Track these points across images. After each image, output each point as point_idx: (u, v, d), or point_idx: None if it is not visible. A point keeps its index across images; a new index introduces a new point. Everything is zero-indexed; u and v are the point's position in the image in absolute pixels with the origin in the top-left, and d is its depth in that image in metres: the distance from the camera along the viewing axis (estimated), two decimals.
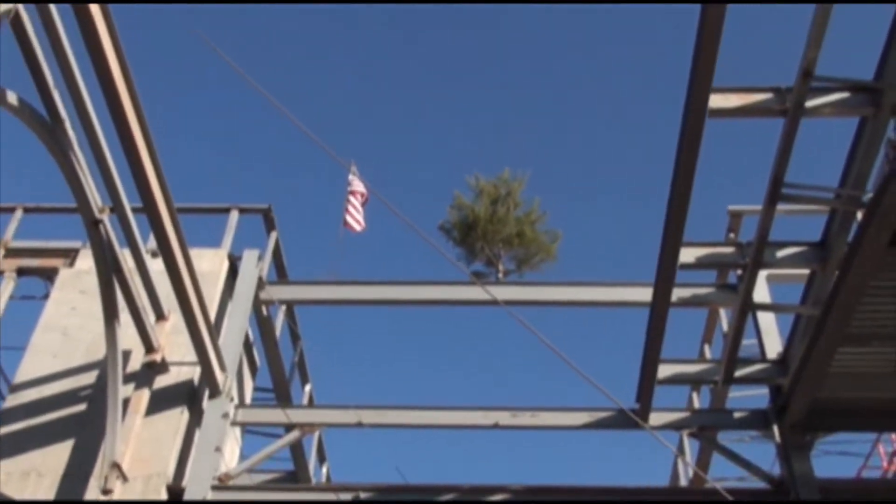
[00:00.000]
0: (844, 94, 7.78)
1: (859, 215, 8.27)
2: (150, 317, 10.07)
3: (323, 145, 7.03)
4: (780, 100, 7.95)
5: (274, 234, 12.09)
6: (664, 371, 10.55)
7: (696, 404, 12.10)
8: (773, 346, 10.49)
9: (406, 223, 8.06)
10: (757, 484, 10.08)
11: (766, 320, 10.69)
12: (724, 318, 11.28)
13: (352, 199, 14.63)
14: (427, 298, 11.47)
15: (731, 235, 10.26)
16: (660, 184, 8.52)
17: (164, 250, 9.02)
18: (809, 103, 7.78)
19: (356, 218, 14.57)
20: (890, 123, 7.89)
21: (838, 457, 13.21)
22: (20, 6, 6.96)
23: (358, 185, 14.95)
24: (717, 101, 8.06)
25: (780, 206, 8.62)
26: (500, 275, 21.72)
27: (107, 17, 7.46)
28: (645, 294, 10.52)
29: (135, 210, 8.97)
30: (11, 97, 7.38)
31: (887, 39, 7.44)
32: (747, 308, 9.98)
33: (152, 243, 9.92)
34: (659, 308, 9.91)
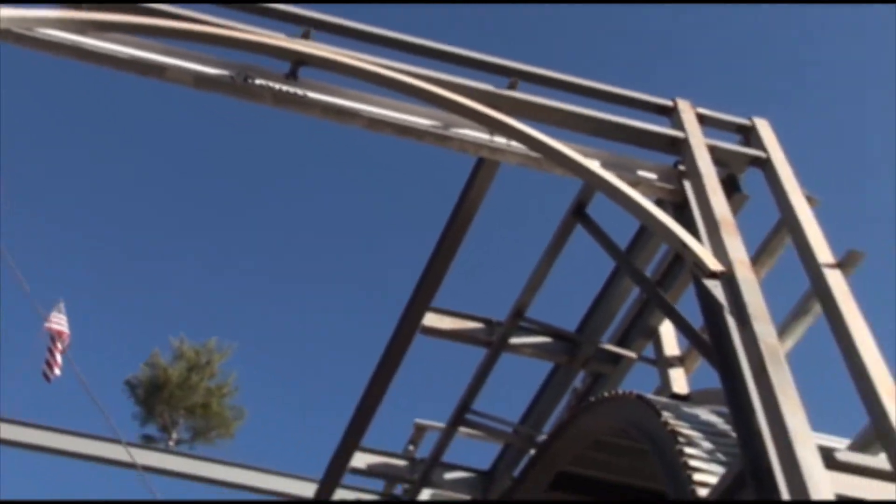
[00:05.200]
0: (547, 339, 8.51)
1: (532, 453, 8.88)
2: None
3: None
4: (489, 332, 8.57)
5: None
6: None
7: None
8: None
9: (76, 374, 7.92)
10: None
11: None
12: None
13: (52, 345, 14.23)
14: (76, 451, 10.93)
15: (411, 448, 10.68)
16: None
17: None
18: (514, 340, 8.44)
19: (52, 364, 14.17)
20: (579, 374, 8.76)
21: None
22: None
23: (58, 322, 14.52)
24: (432, 319, 8.52)
25: (462, 430, 9.21)
26: (172, 442, 21.12)
27: None
28: (309, 489, 10.65)
29: None
30: None
31: (595, 299, 8.39)
32: None
33: None
34: None
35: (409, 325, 8.49)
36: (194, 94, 6.71)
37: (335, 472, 9.84)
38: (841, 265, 5.71)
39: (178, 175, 35.87)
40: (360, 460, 10.03)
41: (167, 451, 17.07)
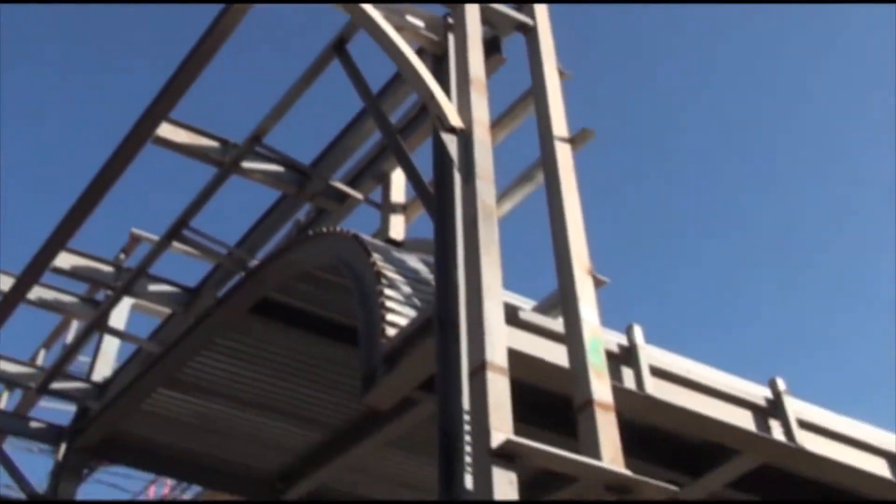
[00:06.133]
0: (279, 168, 8.31)
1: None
2: None
3: None
4: (223, 151, 8.26)
5: None
6: None
7: (3, 404, 11.64)
8: (104, 371, 10.54)
9: None
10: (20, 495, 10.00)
11: (111, 345, 10.78)
12: (73, 330, 11.15)
13: None
14: None
15: (122, 256, 10.32)
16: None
17: None
18: (246, 164, 8.20)
19: None
20: (305, 207, 8.66)
21: (108, 487, 13.86)
22: None
23: None
24: (167, 130, 8.11)
25: (176, 245, 8.93)
26: None
27: None
28: (6, 283, 10.13)
29: None
30: None
31: (336, 137, 8.25)
32: (98, 328, 10.03)
33: None
34: (9, 300, 9.62)
35: (142, 131, 8.05)
36: None
37: (36, 269, 9.37)
38: (572, 140, 5.85)
39: None
40: (65, 261, 9.62)
41: None
